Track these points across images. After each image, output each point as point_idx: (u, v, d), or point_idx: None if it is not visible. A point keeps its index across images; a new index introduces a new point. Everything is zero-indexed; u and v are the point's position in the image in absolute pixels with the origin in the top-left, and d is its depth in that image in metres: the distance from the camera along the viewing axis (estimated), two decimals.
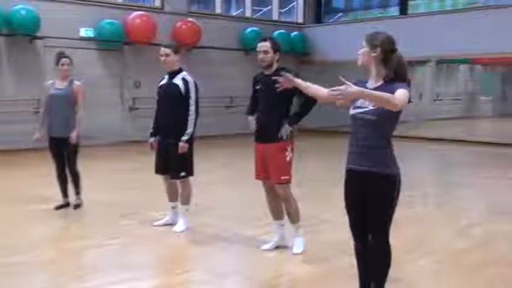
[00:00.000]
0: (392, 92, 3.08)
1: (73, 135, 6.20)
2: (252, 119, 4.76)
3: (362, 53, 3.28)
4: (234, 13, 17.24)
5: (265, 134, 4.60)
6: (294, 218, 4.77)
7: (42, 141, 6.37)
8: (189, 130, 5.32)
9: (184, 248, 5.14)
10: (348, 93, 2.97)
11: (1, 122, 11.51)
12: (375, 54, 3.24)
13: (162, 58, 5.41)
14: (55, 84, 6.34)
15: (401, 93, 3.07)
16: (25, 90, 11.79)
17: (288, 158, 4.61)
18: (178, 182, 5.53)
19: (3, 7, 11.27)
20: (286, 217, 4.89)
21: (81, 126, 6.29)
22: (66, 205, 6.40)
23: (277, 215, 4.88)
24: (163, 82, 5.53)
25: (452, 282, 4.17)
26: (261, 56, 4.59)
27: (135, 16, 13.28)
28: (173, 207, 5.69)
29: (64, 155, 6.33)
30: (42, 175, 8.29)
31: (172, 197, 5.68)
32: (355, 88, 2.97)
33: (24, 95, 11.75)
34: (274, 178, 4.63)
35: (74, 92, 6.28)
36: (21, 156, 10.74)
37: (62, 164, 6.38)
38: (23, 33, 11.63)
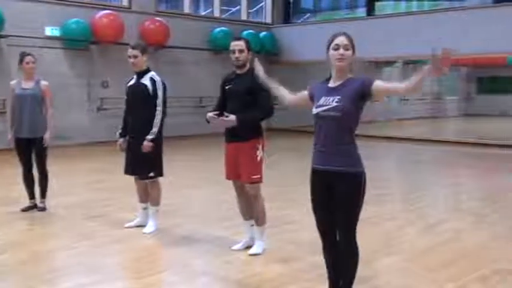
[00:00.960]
0: (359, 82, 3.26)
1: (46, 137, 6.13)
2: (211, 114, 4.63)
3: (349, 55, 3.28)
4: (202, 13, 17.23)
5: (236, 133, 4.59)
6: (261, 219, 4.79)
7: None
8: (154, 129, 5.32)
9: (155, 249, 5.13)
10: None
11: None
12: (354, 56, 3.32)
13: (131, 60, 5.39)
14: (21, 84, 6.24)
15: (388, 82, 3.28)
16: None
17: (258, 157, 4.65)
18: (147, 182, 5.52)
19: None
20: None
21: (52, 126, 6.22)
22: (33, 207, 6.32)
23: (247, 215, 4.91)
24: (131, 82, 5.52)
25: (419, 280, 4.27)
26: (236, 54, 4.60)
27: (102, 15, 13.16)
28: (144, 208, 5.68)
29: (32, 155, 6.25)
30: (7, 176, 8.16)
31: (143, 198, 5.67)
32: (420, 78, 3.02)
33: None
34: (245, 177, 4.65)
35: (42, 92, 6.21)
36: None
37: (29, 165, 6.30)
38: None
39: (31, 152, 6.25)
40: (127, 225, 5.66)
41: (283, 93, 3.73)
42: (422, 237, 5.49)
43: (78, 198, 7.18)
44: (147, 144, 5.31)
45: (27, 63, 6.18)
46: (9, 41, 11.77)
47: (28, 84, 6.22)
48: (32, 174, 6.34)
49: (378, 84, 3.23)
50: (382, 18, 15.87)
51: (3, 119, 11.12)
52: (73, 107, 12.80)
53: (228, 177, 4.82)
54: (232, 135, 4.65)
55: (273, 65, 16.95)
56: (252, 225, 4.92)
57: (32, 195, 6.37)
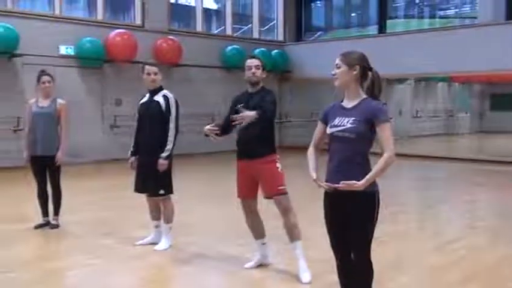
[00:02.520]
0: (370, 111, 3.21)
1: (59, 155, 6.18)
2: (208, 127, 4.67)
3: (340, 73, 3.30)
4: (214, 31, 17.36)
5: (251, 150, 4.58)
6: (295, 233, 4.62)
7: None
8: (169, 146, 5.34)
9: (167, 267, 5.12)
10: (356, 188, 3.13)
11: None
12: (355, 73, 3.29)
13: (151, 76, 5.44)
14: (38, 103, 6.32)
15: (386, 139, 3.19)
16: (4, 108, 11.70)
17: (279, 169, 4.63)
18: (160, 200, 5.53)
19: None
20: (266, 236, 4.89)
21: (66, 145, 6.27)
22: (46, 224, 6.35)
23: (258, 234, 4.88)
24: (144, 100, 5.55)
25: None
26: (253, 70, 4.63)
27: (115, 34, 13.30)
28: (156, 226, 5.68)
29: (46, 173, 6.29)
30: (21, 194, 8.21)
31: (155, 215, 5.67)
32: (360, 183, 3.11)
33: (3, 113, 11.66)
34: (271, 190, 4.59)
35: (58, 110, 6.27)
36: (1, 175, 10.62)
37: (43, 182, 6.35)
38: (1, 51, 11.56)
39: (45, 170, 6.30)
40: (139, 242, 5.65)
41: (315, 156, 3.51)
42: (437, 255, 5.42)
43: (91, 215, 7.20)
44: (162, 163, 5.32)
45: (44, 82, 6.27)
46: (24, 59, 11.92)
47: (44, 103, 6.30)
48: (46, 191, 6.38)
49: (380, 131, 3.20)
50: (393, 36, 15.89)
51: (18, 137, 11.29)
52: (87, 124, 12.87)
53: (241, 196, 4.78)
54: (247, 152, 4.64)
55: (285, 82, 17.06)
56: (264, 244, 4.89)
57: (45, 213, 6.40)
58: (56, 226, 6.33)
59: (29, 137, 6.30)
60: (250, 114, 4.35)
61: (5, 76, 11.88)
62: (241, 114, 4.36)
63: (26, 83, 11.59)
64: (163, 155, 5.31)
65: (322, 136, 3.48)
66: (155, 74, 5.44)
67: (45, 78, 6.28)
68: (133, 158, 5.58)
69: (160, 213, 5.62)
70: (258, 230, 4.87)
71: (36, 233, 6.18)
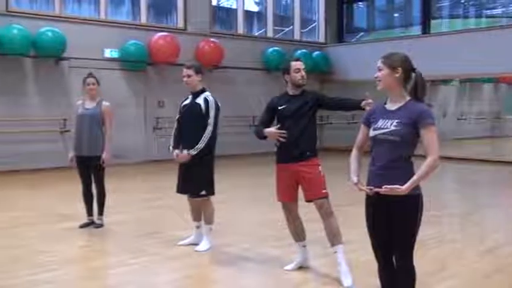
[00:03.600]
0: (414, 113, 3.15)
1: (106, 157, 6.31)
2: (274, 129, 4.61)
3: (383, 76, 3.26)
4: (256, 33, 17.41)
5: (296, 152, 4.57)
6: (336, 237, 4.59)
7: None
8: (199, 145, 5.33)
9: (208, 268, 5.15)
10: (399, 193, 3.08)
11: (28, 142, 11.72)
12: (397, 75, 3.24)
13: (184, 79, 5.51)
14: (84, 104, 6.48)
15: (430, 143, 3.13)
16: (51, 110, 12.03)
17: (321, 172, 4.62)
18: (200, 201, 5.56)
19: (29, 30, 11.54)
20: (306, 239, 4.87)
21: (111, 146, 6.39)
22: (90, 223, 6.48)
23: (298, 237, 4.87)
24: (186, 102, 5.61)
25: None
26: (302, 73, 4.65)
27: (158, 37, 13.49)
28: (197, 227, 5.72)
29: (91, 173, 6.43)
30: (67, 194, 8.42)
31: (196, 216, 5.71)
32: (403, 188, 3.07)
33: (50, 115, 11.99)
34: (312, 194, 4.58)
35: (102, 112, 6.40)
36: (47, 175, 10.93)
37: (88, 182, 6.49)
38: (49, 55, 11.89)
39: (90, 170, 6.43)
40: (180, 243, 5.70)
41: (358, 160, 3.49)
42: (482, 261, 5.27)
43: (134, 215, 7.31)
44: (184, 155, 5.34)
45: (88, 84, 6.44)
46: (70, 63, 12.23)
47: (90, 105, 6.45)
48: (91, 191, 6.52)
49: (425, 134, 3.15)
50: (437, 36, 15.57)
51: (63, 138, 11.60)
52: (130, 126, 13.10)
53: (282, 199, 4.77)
54: (288, 155, 4.61)
55: (326, 84, 16.93)
56: (304, 246, 4.86)
57: (90, 212, 6.54)
58: (100, 225, 6.46)
59: (75, 137, 6.45)
60: None
61: (52, 79, 12.21)
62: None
63: (72, 86, 11.91)
64: (192, 151, 5.34)
65: (365, 139, 3.44)
66: (189, 76, 5.48)
67: (89, 80, 6.44)
68: (177, 151, 5.54)
69: (201, 214, 5.66)
70: (298, 233, 4.85)
71: (81, 232, 6.32)
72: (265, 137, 4.68)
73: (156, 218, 7.13)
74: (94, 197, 6.52)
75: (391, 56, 3.29)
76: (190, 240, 5.71)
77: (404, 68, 3.25)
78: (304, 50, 16.27)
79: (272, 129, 4.60)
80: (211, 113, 5.41)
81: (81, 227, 6.42)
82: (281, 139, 4.57)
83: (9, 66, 11.57)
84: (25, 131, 11.68)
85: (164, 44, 13.46)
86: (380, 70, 3.26)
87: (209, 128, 5.38)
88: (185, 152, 5.36)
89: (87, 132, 6.36)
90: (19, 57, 11.60)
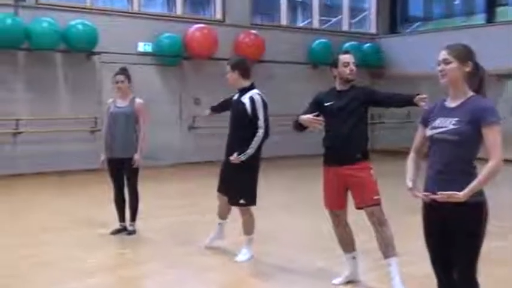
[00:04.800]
0: (477, 110, 3.08)
1: (136, 158, 6.37)
2: (309, 117, 4.54)
3: (450, 69, 3.17)
4: (300, 24, 17.36)
5: (344, 154, 4.54)
6: (389, 248, 4.54)
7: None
8: (249, 151, 5.34)
9: (248, 280, 5.15)
10: (457, 200, 3.02)
11: (57, 142, 12.01)
12: (468, 69, 3.17)
13: (226, 76, 5.56)
14: (116, 102, 6.54)
15: (493, 144, 3.06)
16: (81, 108, 12.28)
17: (373, 176, 4.58)
18: (238, 209, 5.57)
19: (59, 23, 11.81)
20: (357, 250, 4.83)
21: (144, 146, 6.47)
22: (122, 230, 6.57)
23: (347, 247, 4.82)
24: (234, 98, 5.65)
25: None
26: (351, 67, 4.61)
27: (195, 29, 13.61)
28: (220, 224, 5.85)
29: (123, 176, 6.52)
30: (98, 197, 8.58)
31: (222, 213, 5.82)
32: (461, 194, 3.00)
33: (80, 113, 12.24)
34: (363, 200, 4.53)
35: (136, 110, 6.47)
36: (78, 178, 11.17)
37: (120, 186, 6.56)
38: (79, 49, 12.14)
39: (123, 173, 6.51)
40: (205, 244, 5.87)
41: (415, 163, 3.45)
42: None
43: (168, 221, 7.39)
44: (235, 158, 5.35)
45: (117, 82, 6.47)
46: (102, 58, 12.47)
47: (123, 103, 6.50)
48: (123, 196, 6.60)
49: (486, 134, 3.07)
50: (504, 25, 15.18)
51: (95, 138, 11.81)
52: (164, 125, 13.16)
53: (329, 206, 4.73)
54: (338, 157, 4.58)
55: (377, 79, 16.72)
56: (354, 258, 4.81)
57: (122, 218, 6.62)
58: (133, 232, 6.55)
59: (107, 138, 6.52)
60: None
61: (83, 75, 12.46)
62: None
63: (103, 82, 12.12)
64: (241, 156, 5.34)
65: (423, 140, 3.38)
66: (227, 73, 5.53)
67: (118, 77, 6.47)
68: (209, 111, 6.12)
69: (228, 213, 5.76)
70: (347, 243, 4.80)
71: (112, 238, 6.43)
72: (301, 127, 4.64)
73: (192, 225, 7.19)
74: (126, 201, 6.61)
75: (459, 48, 3.20)
76: (212, 238, 5.87)
77: (473, 61, 3.18)
78: (353, 42, 16.10)
79: (308, 116, 4.53)
80: (260, 114, 5.38)
81: (113, 233, 6.52)
82: (318, 126, 4.51)
83: (37, 62, 11.87)
84: (53, 131, 11.95)
85: (201, 36, 13.56)
86: (447, 63, 3.17)
87: (260, 132, 5.36)
88: (235, 154, 5.38)
89: (120, 132, 6.41)
90: (48, 51, 11.89)
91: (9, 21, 11.20)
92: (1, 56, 11.49)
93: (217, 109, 6.25)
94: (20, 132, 11.63)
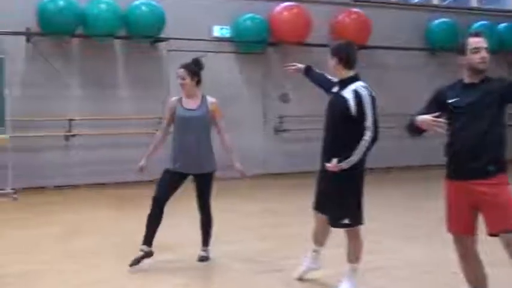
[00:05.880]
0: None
1: (240, 168, 6.74)
2: (429, 117, 4.50)
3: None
4: (415, 0, 17.12)
5: (474, 165, 4.43)
6: None
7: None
8: (353, 158, 5.26)
9: None
10: None
11: (116, 146, 12.39)
12: None
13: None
14: (182, 103, 6.48)
15: None
16: (145, 105, 12.60)
17: None
18: (343, 230, 5.50)
19: (119, 4, 12.12)
20: None
21: (234, 152, 6.71)
22: (146, 256, 6.32)
23: (476, 283, 4.66)
24: (334, 90, 5.61)
25: None
26: (482, 54, 4.47)
27: (282, 9, 13.63)
28: (315, 251, 5.82)
29: (174, 192, 6.44)
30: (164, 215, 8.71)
31: (318, 239, 5.79)
32: None
33: (144, 112, 12.55)
34: (500, 225, 4.39)
35: (211, 113, 6.47)
36: (138, 191, 11.37)
37: (165, 202, 6.40)
38: (143, 35, 12.44)
39: (178, 189, 6.47)
40: (296, 275, 5.87)
41: None
42: None
43: (247, 246, 7.39)
44: (334, 165, 5.29)
45: (178, 78, 6.44)
46: (169, 45, 12.73)
47: (191, 104, 6.45)
48: (162, 214, 6.41)
49: None
50: None
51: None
52: (244, 127, 13.26)
53: (454, 230, 4.63)
54: (467, 169, 4.47)
55: None
56: None
57: (150, 241, 6.36)
58: (206, 258, 6.59)
59: (176, 149, 6.46)
60: None
61: (146, 65, 12.79)
62: None
63: (172, 75, 12.29)
64: (342, 164, 5.26)
65: None
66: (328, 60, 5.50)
67: (178, 72, 6.42)
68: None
69: (326, 239, 5.74)
70: (478, 279, 4.66)
71: (178, 266, 6.49)
72: (418, 130, 4.61)
73: (275, 250, 7.15)
74: (161, 220, 6.39)
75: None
76: (304, 269, 5.86)
77: None
78: (485, 22, 15.74)
79: (427, 116, 4.48)
80: (368, 112, 5.29)
81: (132, 264, 6.21)
82: (440, 130, 4.42)
83: (93, 51, 12.28)
84: (112, 133, 12.36)
85: (290, 18, 13.57)
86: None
87: (367, 135, 5.27)
88: (334, 161, 5.32)
89: (195, 142, 6.36)
90: (106, 38, 12.25)
91: (61, 3, 11.58)
92: (51, 45, 11.93)
93: (313, 74, 6.16)
94: (73, 135, 12.04)
